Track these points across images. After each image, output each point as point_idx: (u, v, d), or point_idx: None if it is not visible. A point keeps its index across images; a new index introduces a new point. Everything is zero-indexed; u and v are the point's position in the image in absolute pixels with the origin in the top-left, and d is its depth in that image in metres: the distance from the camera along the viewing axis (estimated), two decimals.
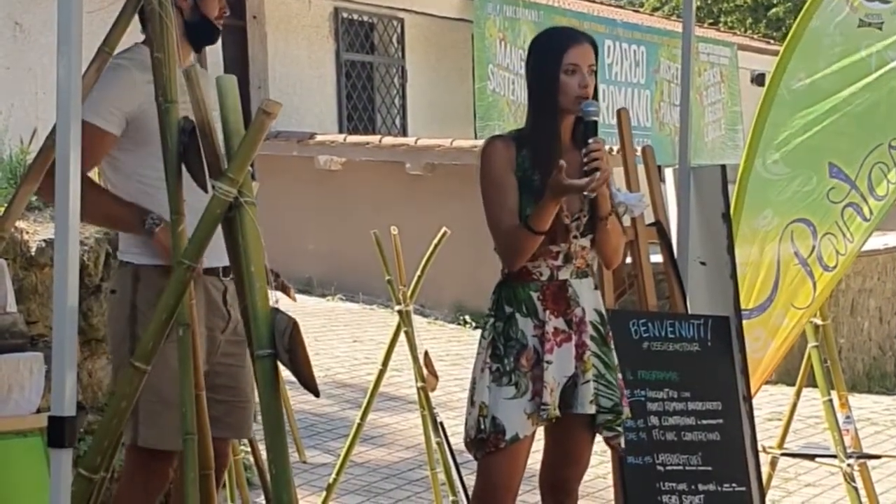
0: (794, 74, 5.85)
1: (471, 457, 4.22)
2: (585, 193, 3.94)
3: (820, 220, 5.82)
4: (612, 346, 4.16)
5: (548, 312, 4.03)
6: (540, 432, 4.16)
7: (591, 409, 4.04)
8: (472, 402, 4.10)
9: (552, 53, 4.07)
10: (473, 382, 4.12)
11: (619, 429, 4.13)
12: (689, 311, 5.09)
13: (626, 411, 4.18)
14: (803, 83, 5.86)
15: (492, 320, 4.10)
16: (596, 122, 4.01)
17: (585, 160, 3.94)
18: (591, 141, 3.95)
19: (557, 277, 4.07)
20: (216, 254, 3.35)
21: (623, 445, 4.21)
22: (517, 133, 4.17)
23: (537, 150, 4.04)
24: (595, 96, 4.08)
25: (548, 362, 3.99)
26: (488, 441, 4.02)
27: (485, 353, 4.09)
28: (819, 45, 5.90)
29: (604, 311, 4.17)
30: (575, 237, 4.06)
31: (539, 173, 4.01)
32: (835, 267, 5.85)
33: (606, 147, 3.97)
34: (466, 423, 4.12)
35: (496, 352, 4.06)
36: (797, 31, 5.91)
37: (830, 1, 5.89)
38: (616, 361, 4.16)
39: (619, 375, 4.17)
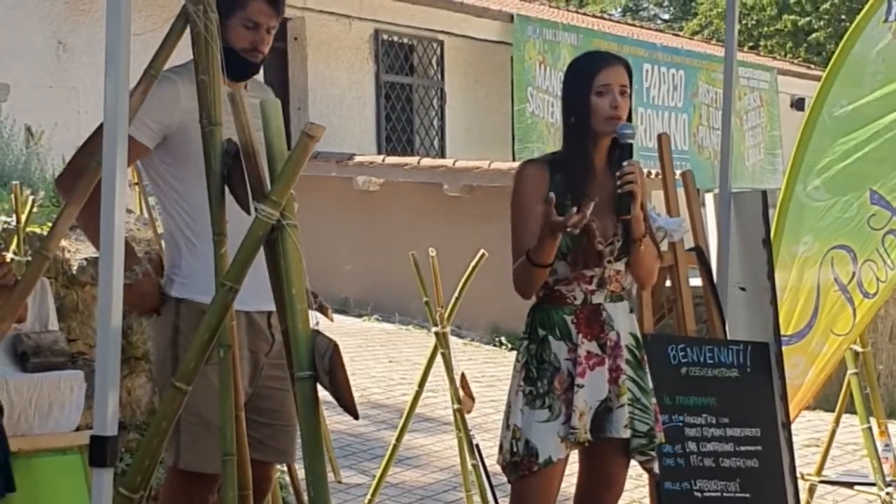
0: (836, 101, 5.83)
1: (506, 479, 4.22)
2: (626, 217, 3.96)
3: (860, 246, 5.80)
4: (647, 370, 4.15)
5: (581, 336, 4.02)
6: (574, 456, 4.15)
7: (626, 434, 4.02)
8: (506, 425, 4.11)
9: (583, 76, 4.08)
10: (508, 405, 4.12)
11: (653, 453, 4.11)
12: (728, 337, 5.08)
13: (661, 436, 4.16)
14: (845, 109, 5.85)
15: (525, 343, 4.11)
16: (631, 145, 4.02)
17: (619, 182, 3.96)
18: (625, 164, 3.96)
19: (591, 301, 4.06)
20: (263, 297, 3.31)
21: (657, 470, 4.19)
22: (552, 157, 4.17)
23: (570, 174, 4.05)
24: (630, 119, 4.08)
25: (579, 386, 3.98)
26: (522, 464, 4.02)
27: (518, 377, 4.09)
28: (862, 71, 5.89)
29: (639, 335, 4.16)
30: (609, 262, 4.05)
31: (572, 197, 3.99)
32: (875, 294, 5.82)
33: (646, 171, 3.97)
34: (501, 447, 4.12)
35: (529, 375, 4.06)
36: (839, 58, 5.90)
37: (873, 28, 5.88)
38: (651, 385, 4.14)
39: (654, 400, 4.16)
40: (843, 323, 5.80)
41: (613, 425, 4.02)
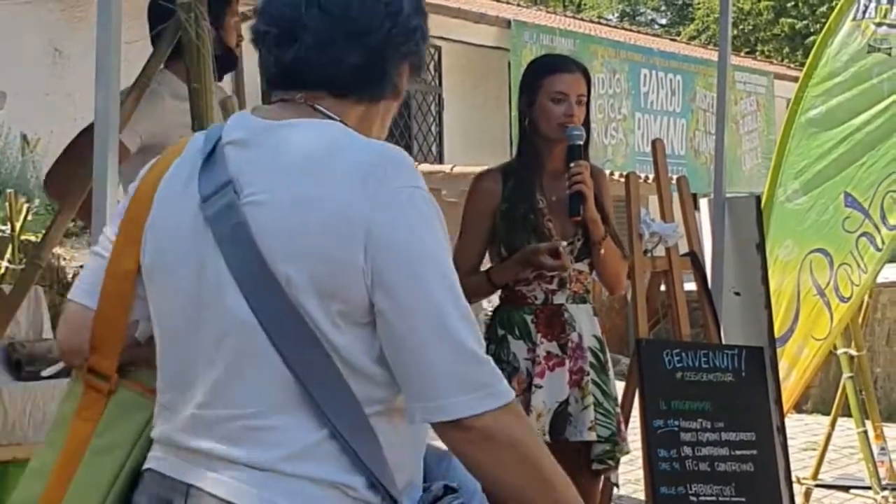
0: (811, 102, 5.86)
1: None
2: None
3: (836, 249, 5.80)
4: (611, 375, 4.11)
5: (540, 336, 4.00)
6: None
7: (592, 436, 3.97)
8: None
9: (535, 79, 4.08)
10: None
11: (611, 462, 4.06)
12: (723, 342, 5.08)
13: (625, 446, 4.11)
14: (819, 111, 5.88)
15: (486, 344, 4.05)
16: (579, 146, 4.02)
17: (568, 184, 3.97)
18: (572, 165, 3.97)
19: (552, 301, 4.04)
20: None
21: (616, 479, 4.15)
22: (507, 165, 4.20)
23: (521, 179, 4.08)
24: (587, 126, 4.08)
25: (537, 386, 3.95)
26: None
27: None
28: (833, 72, 5.91)
29: (602, 338, 4.12)
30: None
31: (523, 202, 4.03)
32: (850, 297, 5.82)
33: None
34: None
35: None
36: (814, 59, 5.94)
37: (844, 27, 5.92)
38: (615, 392, 4.10)
39: (619, 409, 4.12)
40: (821, 327, 5.82)
41: (577, 427, 3.97)
